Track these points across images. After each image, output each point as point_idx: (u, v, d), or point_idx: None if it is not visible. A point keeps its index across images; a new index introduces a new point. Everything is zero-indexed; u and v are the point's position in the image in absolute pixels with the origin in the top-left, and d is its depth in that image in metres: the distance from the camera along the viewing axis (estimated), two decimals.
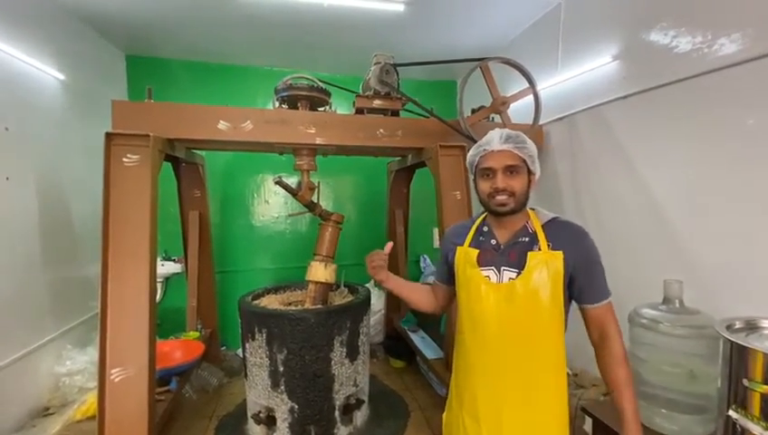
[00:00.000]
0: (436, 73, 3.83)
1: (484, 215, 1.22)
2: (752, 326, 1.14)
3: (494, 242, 1.13)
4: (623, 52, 2.06)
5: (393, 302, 3.50)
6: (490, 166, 1.08)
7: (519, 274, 1.05)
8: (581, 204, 2.38)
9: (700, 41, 1.66)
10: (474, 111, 2.49)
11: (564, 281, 1.05)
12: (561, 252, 1.04)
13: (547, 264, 1.03)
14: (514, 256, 1.08)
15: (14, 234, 2.09)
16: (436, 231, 3.98)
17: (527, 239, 1.09)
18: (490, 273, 1.09)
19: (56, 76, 2.45)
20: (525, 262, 1.05)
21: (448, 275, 1.25)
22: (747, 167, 1.50)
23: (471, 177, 1.18)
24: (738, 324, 1.14)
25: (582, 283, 1.06)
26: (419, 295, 1.34)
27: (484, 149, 1.09)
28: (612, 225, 2.15)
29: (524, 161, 1.09)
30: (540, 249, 1.05)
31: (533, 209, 1.15)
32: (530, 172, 1.10)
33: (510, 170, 1.07)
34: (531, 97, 2.42)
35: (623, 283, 2.01)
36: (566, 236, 1.08)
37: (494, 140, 1.08)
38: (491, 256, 1.11)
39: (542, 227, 1.09)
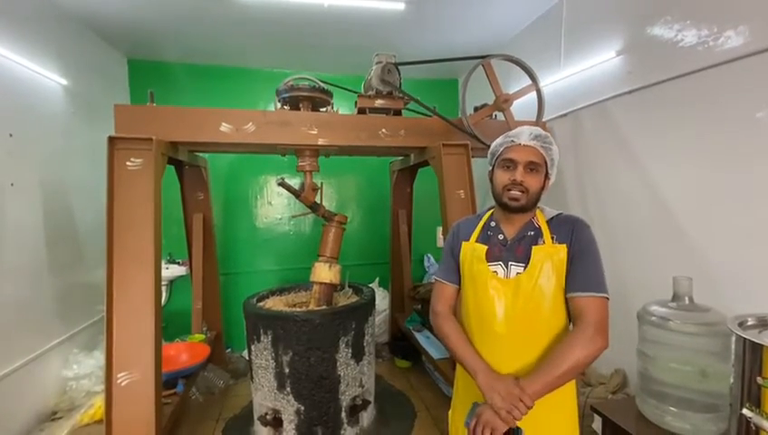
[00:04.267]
0: (438, 72, 3.81)
1: (491, 211, 1.21)
2: (765, 323, 1.12)
3: (501, 237, 1.13)
4: (627, 46, 2.04)
5: (398, 302, 3.50)
6: (513, 158, 1.08)
7: (525, 268, 1.06)
8: (586, 201, 2.37)
9: (706, 34, 1.64)
10: (476, 109, 2.48)
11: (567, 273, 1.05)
12: (564, 245, 1.05)
13: (551, 257, 1.04)
14: (521, 250, 1.08)
15: (20, 239, 2.10)
16: (439, 230, 3.97)
17: (533, 233, 1.09)
18: (498, 268, 1.10)
19: (59, 81, 2.46)
20: (531, 256, 1.05)
21: (458, 273, 1.22)
22: (756, 161, 1.48)
23: (489, 167, 1.18)
24: (751, 321, 1.13)
25: (570, 270, 1.04)
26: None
27: (512, 141, 1.10)
28: (618, 221, 2.13)
29: (545, 163, 1.10)
30: (544, 243, 1.06)
31: (539, 207, 1.16)
32: (547, 175, 1.11)
33: (531, 167, 1.07)
34: (534, 94, 2.40)
35: (629, 279, 2.02)
36: (567, 227, 1.08)
37: (523, 134, 1.09)
38: (499, 252, 1.11)
39: (547, 222, 1.10)
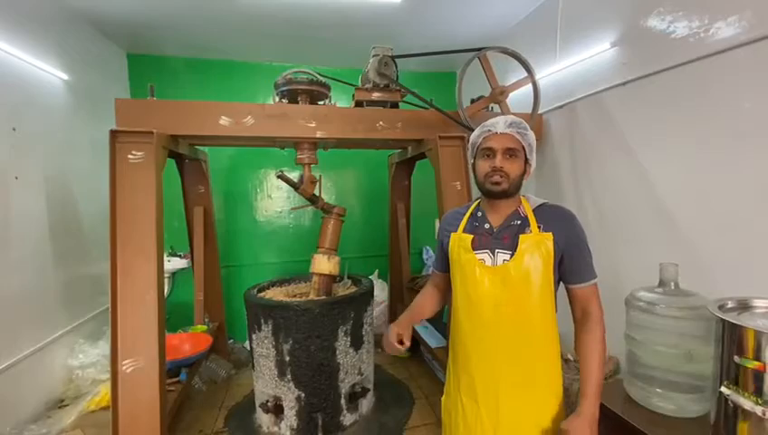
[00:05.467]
0: (435, 64, 3.83)
1: (478, 201, 1.26)
2: (744, 306, 1.16)
3: (487, 226, 1.17)
4: (621, 38, 2.06)
5: (397, 293, 3.54)
6: (491, 146, 1.12)
7: (512, 256, 1.09)
8: (581, 191, 2.40)
9: (697, 25, 1.66)
10: (473, 102, 2.50)
11: (554, 262, 1.09)
12: (551, 234, 1.09)
13: (538, 245, 1.08)
14: (507, 238, 1.12)
15: (25, 232, 2.14)
16: (437, 222, 4.00)
17: (519, 222, 1.13)
18: (485, 256, 1.13)
19: (60, 76, 2.49)
20: (518, 244, 1.09)
21: (446, 263, 1.28)
22: (743, 150, 1.51)
23: (471, 159, 1.22)
24: (730, 304, 1.17)
25: (570, 263, 1.10)
26: (427, 305, 1.38)
27: (489, 130, 1.14)
28: (612, 211, 2.16)
29: (524, 148, 1.13)
30: (531, 232, 1.10)
31: (525, 196, 1.19)
32: (527, 161, 1.15)
33: (509, 153, 1.12)
34: (530, 86, 2.42)
35: (622, 268, 2.06)
36: (555, 218, 1.12)
37: (498, 123, 1.13)
38: (485, 240, 1.15)
39: (533, 211, 1.14)
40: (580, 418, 1.03)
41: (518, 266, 1.08)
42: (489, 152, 1.13)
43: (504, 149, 1.11)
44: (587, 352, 1.08)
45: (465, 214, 1.24)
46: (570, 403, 1.19)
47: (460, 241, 1.18)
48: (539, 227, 1.10)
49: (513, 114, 2.38)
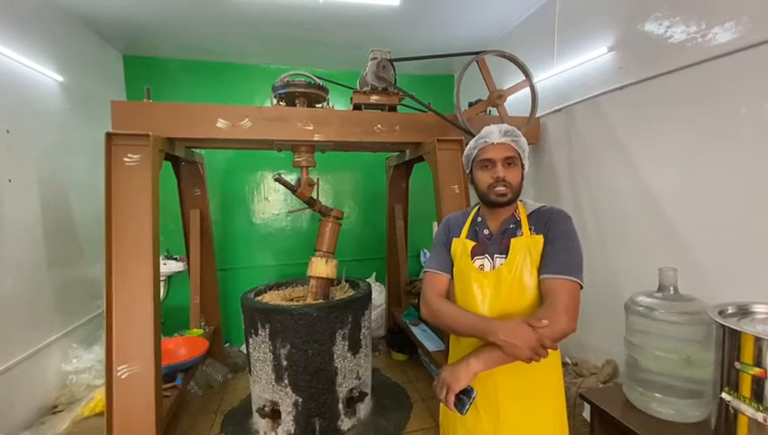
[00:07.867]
0: (433, 68, 3.83)
1: (477, 206, 1.26)
2: (744, 311, 1.16)
3: (486, 232, 1.18)
4: (619, 42, 2.06)
5: (394, 297, 3.53)
6: (490, 157, 1.13)
7: (506, 259, 1.10)
8: (579, 195, 2.40)
9: (694, 30, 1.67)
10: (471, 105, 2.50)
11: None
12: (542, 236, 1.09)
13: (529, 248, 1.08)
14: (504, 243, 1.13)
15: (18, 235, 2.11)
16: (435, 225, 4.00)
17: (513, 226, 1.14)
18: (484, 261, 1.14)
19: (55, 78, 2.46)
20: (510, 247, 1.10)
21: (451, 264, 1.24)
22: (741, 155, 1.51)
23: (467, 170, 1.22)
24: (731, 310, 1.17)
25: (543, 254, 1.07)
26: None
27: (485, 141, 1.14)
28: (609, 215, 2.17)
29: (519, 155, 1.15)
30: (522, 234, 1.11)
31: (521, 201, 1.20)
32: (522, 166, 1.16)
33: (508, 162, 1.13)
34: (528, 89, 2.42)
35: (621, 272, 2.06)
36: (545, 218, 1.12)
37: (493, 133, 1.13)
38: (484, 245, 1.16)
39: (529, 215, 1.15)
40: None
41: (510, 270, 1.09)
42: (488, 163, 1.13)
43: (503, 159, 1.12)
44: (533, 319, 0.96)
45: (466, 220, 1.25)
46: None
47: (464, 247, 1.18)
48: (530, 229, 1.11)
49: (512, 118, 2.40)
